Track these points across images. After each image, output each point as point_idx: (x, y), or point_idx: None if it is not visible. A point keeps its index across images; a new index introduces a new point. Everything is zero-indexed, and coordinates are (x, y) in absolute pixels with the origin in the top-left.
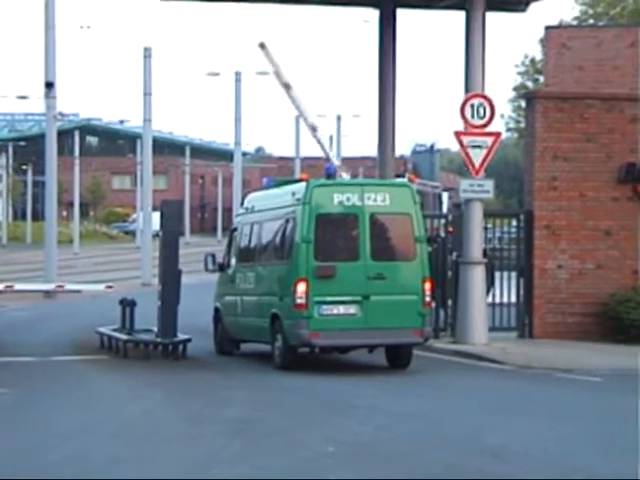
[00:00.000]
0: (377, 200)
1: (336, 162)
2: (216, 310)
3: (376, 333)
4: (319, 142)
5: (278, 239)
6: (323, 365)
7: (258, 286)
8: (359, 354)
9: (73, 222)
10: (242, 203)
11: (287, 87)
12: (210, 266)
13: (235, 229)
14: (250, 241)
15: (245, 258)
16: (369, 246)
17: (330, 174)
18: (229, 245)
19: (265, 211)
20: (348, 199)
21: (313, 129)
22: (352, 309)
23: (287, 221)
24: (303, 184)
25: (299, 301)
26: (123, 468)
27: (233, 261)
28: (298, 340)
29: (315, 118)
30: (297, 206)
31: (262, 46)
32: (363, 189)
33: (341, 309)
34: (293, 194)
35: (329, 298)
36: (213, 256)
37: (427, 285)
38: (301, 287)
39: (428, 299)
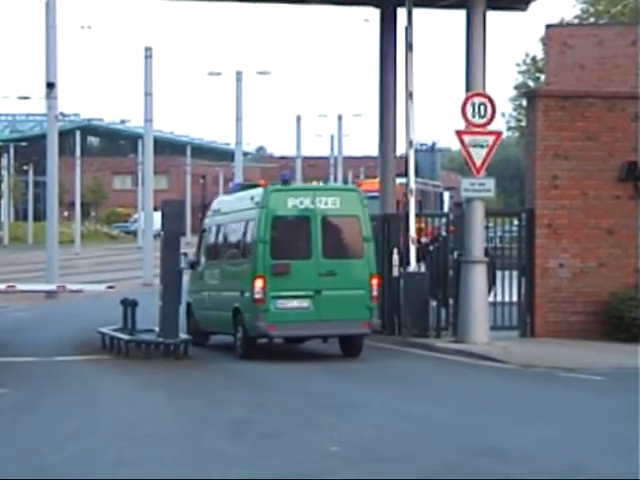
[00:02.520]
0: (328, 203)
1: None
2: (188, 305)
3: (327, 325)
4: None
5: (240, 239)
6: (291, 355)
7: (223, 282)
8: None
9: (74, 222)
10: (208, 206)
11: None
12: (182, 264)
13: (204, 230)
14: (217, 241)
15: (212, 256)
16: (320, 245)
17: (285, 180)
18: (199, 245)
19: (230, 213)
20: (301, 203)
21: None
22: (305, 303)
23: (247, 223)
24: (261, 189)
25: (257, 296)
26: (125, 469)
27: (203, 259)
28: (256, 332)
29: None
30: (256, 209)
31: None
32: (315, 194)
33: (295, 303)
34: (252, 198)
35: (284, 293)
36: (185, 255)
37: (374, 281)
38: (259, 283)
39: (375, 293)
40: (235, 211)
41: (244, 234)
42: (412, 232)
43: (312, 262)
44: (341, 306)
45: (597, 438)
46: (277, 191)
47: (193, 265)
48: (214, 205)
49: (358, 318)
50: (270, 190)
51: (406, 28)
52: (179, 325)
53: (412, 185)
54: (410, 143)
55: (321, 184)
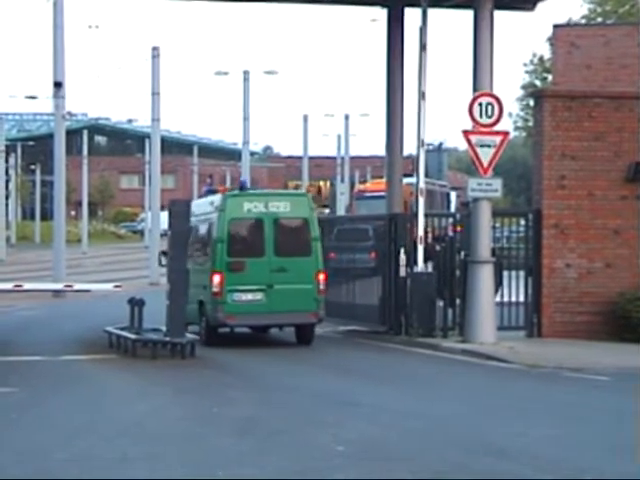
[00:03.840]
0: (279, 207)
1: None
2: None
3: (278, 315)
4: None
5: (205, 239)
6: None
7: (192, 277)
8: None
9: (81, 221)
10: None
11: (424, 48)
12: (162, 262)
13: None
14: (190, 240)
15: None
16: (272, 244)
17: (243, 187)
18: None
19: (199, 216)
20: (255, 207)
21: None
22: (258, 296)
23: (210, 225)
24: (220, 195)
25: (215, 290)
26: (130, 467)
27: None
28: (216, 321)
29: None
30: (216, 213)
31: None
32: (268, 199)
33: (249, 296)
34: (212, 203)
35: (240, 287)
36: (165, 253)
37: (320, 276)
38: (217, 278)
39: (322, 287)
40: (202, 214)
41: (208, 234)
42: (420, 232)
43: (265, 259)
44: (291, 299)
45: (602, 438)
46: (234, 196)
47: None
48: (192, 208)
49: (306, 309)
50: (228, 196)
51: (420, 28)
52: (185, 324)
53: (422, 185)
54: (422, 143)
55: (277, 190)
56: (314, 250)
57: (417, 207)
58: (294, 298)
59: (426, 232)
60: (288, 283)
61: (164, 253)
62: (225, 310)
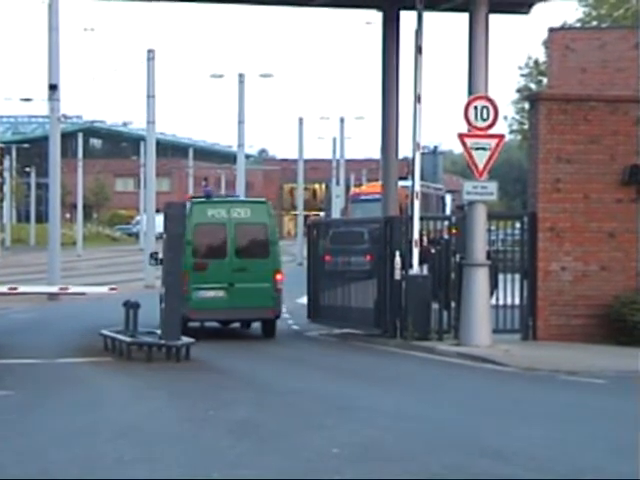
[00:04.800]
0: (240, 214)
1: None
2: (160, 295)
3: (239, 311)
4: None
5: None
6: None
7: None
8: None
9: (76, 224)
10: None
11: (419, 51)
12: (152, 262)
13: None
14: None
15: None
16: (234, 247)
17: (208, 195)
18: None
19: None
20: (219, 213)
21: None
22: (220, 293)
23: None
24: (188, 202)
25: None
26: (127, 469)
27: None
28: (183, 316)
29: None
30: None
31: None
32: (230, 206)
33: (212, 293)
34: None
35: (203, 285)
36: (156, 253)
37: (277, 276)
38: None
39: (278, 286)
40: None
41: None
42: (416, 235)
43: (227, 261)
44: (250, 296)
45: (598, 440)
46: (199, 203)
47: (159, 262)
48: None
49: (264, 306)
50: (194, 203)
51: (416, 31)
52: (180, 327)
53: (417, 188)
54: (418, 146)
55: (237, 198)
56: (272, 252)
57: (412, 210)
58: (253, 296)
59: (421, 235)
60: (248, 282)
61: (154, 255)
62: (190, 306)
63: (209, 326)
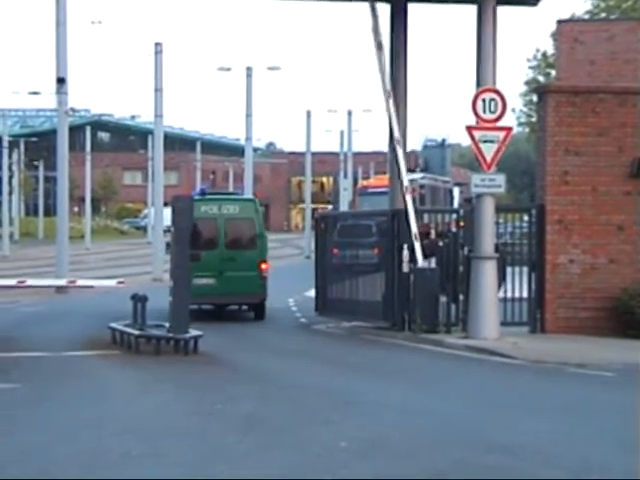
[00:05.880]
0: (230, 210)
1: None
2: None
3: (228, 297)
4: (389, 110)
5: None
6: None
7: None
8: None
9: (85, 218)
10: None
11: (379, 47)
12: (168, 251)
13: None
14: None
15: None
16: (223, 240)
17: (203, 193)
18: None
19: None
20: (211, 209)
21: (388, 95)
22: (212, 281)
23: None
24: None
25: None
26: (133, 463)
27: None
28: None
29: (389, 86)
30: None
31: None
32: (221, 203)
33: (204, 281)
34: None
35: (197, 273)
36: (168, 244)
37: (263, 266)
38: None
39: (264, 275)
40: None
41: None
42: (414, 229)
43: (217, 252)
44: (238, 283)
45: (606, 434)
46: (195, 200)
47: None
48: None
49: (251, 292)
50: None
51: (373, 27)
52: (188, 320)
53: (406, 183)
54: (398, 142)
55: (229, 195)
56: (258, 244)
57: (406, 205)
58: (241, 283)
59: (429, 228)
60: (236, 270)
61: (169, 245)
62: None
63: (214, 320)
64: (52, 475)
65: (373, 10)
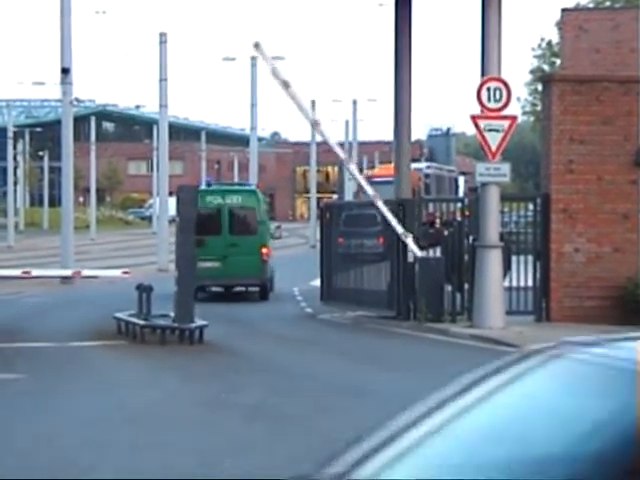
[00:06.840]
0: (233, 200)
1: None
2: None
3: (232, 279)
4: (323, 136)
5: None
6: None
7: None
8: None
9: (89, 208)
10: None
11: (285, 85)
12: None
13: None
14: None
15: None
16: (227, 226)
17: (209, 184)
18: None
19: None
20: (215, 199)
21: (315, 124)
22: (216, 264)
23: None
24: None
25: None
26: (140, 454)
27: None
28: None
29: (314, 114)
30: None
31: (257, 46)
32: (225, 193)
33: (209, 264)
34: None
35: (202, 257)
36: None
37: (263, 250)
38: None
39: (264, 258)
40: None
41: None
42: (399, 229)
43: (221, 237)
44: (240, 266)
45: None
46: (201, 191)
47: None
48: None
49: (252, 275)
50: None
51: (270, 65)
52: (194, 310)
53: (370, 192)
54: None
55: (232, 187)
56: (259, 231)
57: (382, 210)
58: (243, 266)
59: (434, 217)
60: (239, 255)
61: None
62: None
63: (220, 310)
64: (60, 465)
65: (262, 53)
